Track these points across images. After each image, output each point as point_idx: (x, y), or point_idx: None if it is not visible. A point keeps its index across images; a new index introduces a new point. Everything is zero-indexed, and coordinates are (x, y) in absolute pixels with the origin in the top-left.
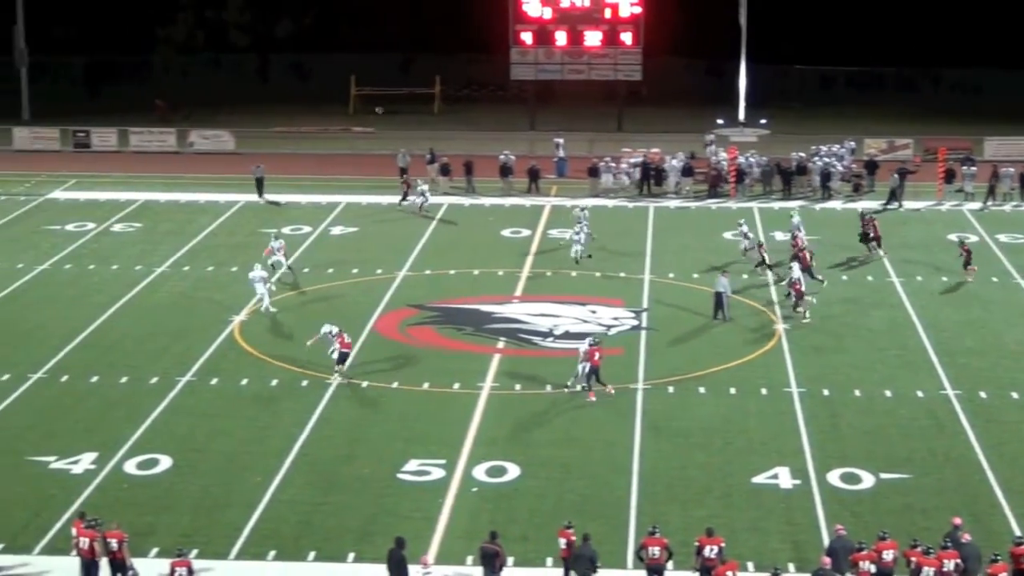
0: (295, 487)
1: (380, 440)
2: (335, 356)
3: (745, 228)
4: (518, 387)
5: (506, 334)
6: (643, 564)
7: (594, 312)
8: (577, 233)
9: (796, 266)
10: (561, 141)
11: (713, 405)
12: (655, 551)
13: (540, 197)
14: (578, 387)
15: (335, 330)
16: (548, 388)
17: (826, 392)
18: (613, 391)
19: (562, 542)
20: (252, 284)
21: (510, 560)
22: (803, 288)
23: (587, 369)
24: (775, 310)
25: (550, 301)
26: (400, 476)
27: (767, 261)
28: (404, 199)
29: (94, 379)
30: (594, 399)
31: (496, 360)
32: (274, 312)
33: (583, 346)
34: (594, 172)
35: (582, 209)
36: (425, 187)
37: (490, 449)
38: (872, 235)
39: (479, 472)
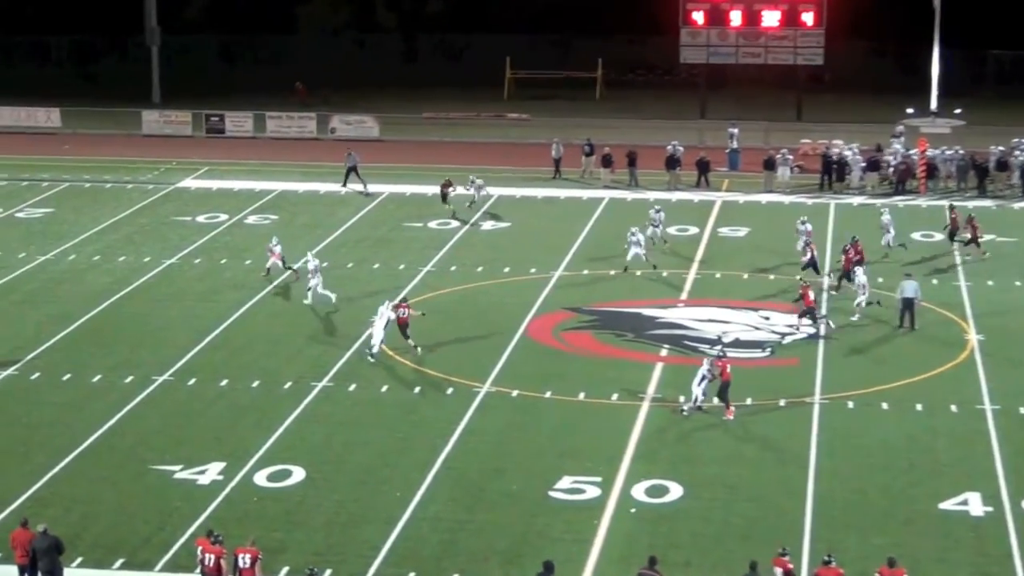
0: (438, 503)
1: (531, 454)
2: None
3: (807, 226)
4: (682, 399)
5: (670, 341)
6: None
7: (767, 319)
8: (634, 234)
9: (860, 271)
10: (735, 131)
11: (897, 422)
12: None
13: (710, 192)
14: (688, 408)
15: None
16: (714, 400)
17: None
18: (732, 416)
19: (778, 572)
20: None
21: None
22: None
23: (704, 385)
24: (966, 318)
25: (719, 306)
26: (552, 494)
27: (815, 263)
28: (445, 201)
29: (223, 383)
30: (732, 417)
31: (658, 369)
32: (330, 299)
33: (704, 363)
34: (770, 165)
35: (657, 210)
36: (480, 181)
37: (650, 466)
38: None
39: (638, 491)
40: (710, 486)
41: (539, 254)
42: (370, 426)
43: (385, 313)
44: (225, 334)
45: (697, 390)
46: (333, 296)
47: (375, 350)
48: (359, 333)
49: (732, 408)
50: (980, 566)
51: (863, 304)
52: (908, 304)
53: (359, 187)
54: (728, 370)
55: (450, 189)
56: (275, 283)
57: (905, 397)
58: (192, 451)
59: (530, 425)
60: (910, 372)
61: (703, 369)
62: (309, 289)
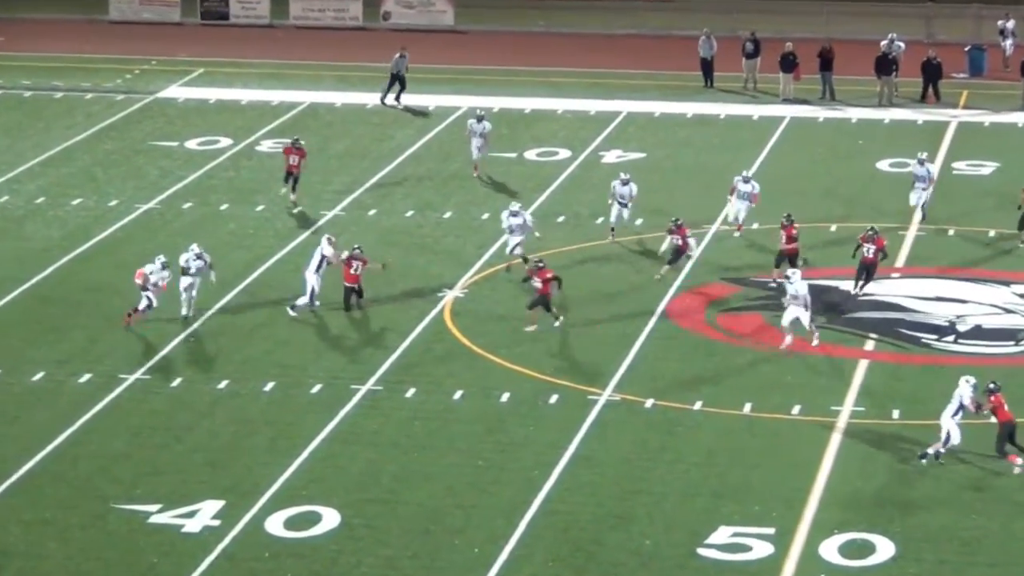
0: (534, 564)
1: (671, 493)
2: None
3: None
4: (896, 415)
5: (879, 328)
6: None
7: (1022, 296)
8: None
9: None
10: (1010, 24)
11: None
12: None
13: (941, 108)
14: (933, 451)
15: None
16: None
17: None
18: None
19: None
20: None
21: None
22: None
23: (959, 417)
24: None
25: (951, 277)
26: (703, 552)
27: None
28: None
29: (221, 385)
30: (1020, 468)
31: (862, 369)
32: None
33: (964, 387)
34: None
35: (625, 182)
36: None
37: (848, 513)
38: None
39: (828, 549)
40: (934, 541)
41: (686, 199)
42: (436, 450)
43: (320, 254)
44: (225, 314)
45: (951, 424)
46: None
47: (300, 302)
48: (423, 314)
49: (1016, 458)
50: None
51: None
52: None
53: (393, 100)
54: (1006, 408)
55: None
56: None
57: None
58: (175, 484)
59: (671, 451)
60: None
61: (962, 396)
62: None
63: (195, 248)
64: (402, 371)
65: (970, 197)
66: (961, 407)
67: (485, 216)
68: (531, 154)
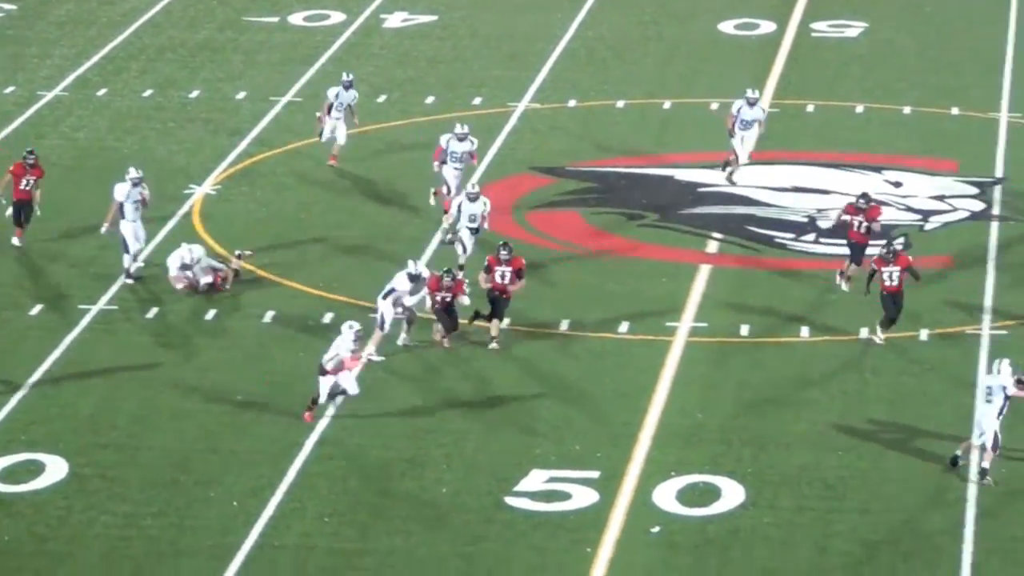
0: (307, 520)
1: (470, 430)
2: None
3: None
4: (745, 331)
5: (725, 225)
6: None
7: (898, 185)
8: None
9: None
10: None
11: None
12: None
13: None
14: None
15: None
16: (805, 332)
17: None
18: None
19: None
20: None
21: None
22: None
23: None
24: None
25: (814, 162)
26: (511, 501)
27: None
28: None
29: None
30: None
31: (704, 275)
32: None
33: (1007, 368)
34: None
35: (462, 137)
36: None
37: (688, 452)
38: None
39: (664, 495)
40: (793, 485)
41: (488, 70)
42: (184, 384)
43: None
44: None
45: (995, 425)
46: None
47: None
48: (168, 214)
49: None
50: None
51: None
52: None
53: None
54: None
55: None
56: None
57: None
58: None
59: (472, 379)
60: None
61: (1005, 386)
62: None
63: None
64: (141, 286)
65: (833, 65)
66: (1007, 400)
67: (240, 96)
68: (296, 18)
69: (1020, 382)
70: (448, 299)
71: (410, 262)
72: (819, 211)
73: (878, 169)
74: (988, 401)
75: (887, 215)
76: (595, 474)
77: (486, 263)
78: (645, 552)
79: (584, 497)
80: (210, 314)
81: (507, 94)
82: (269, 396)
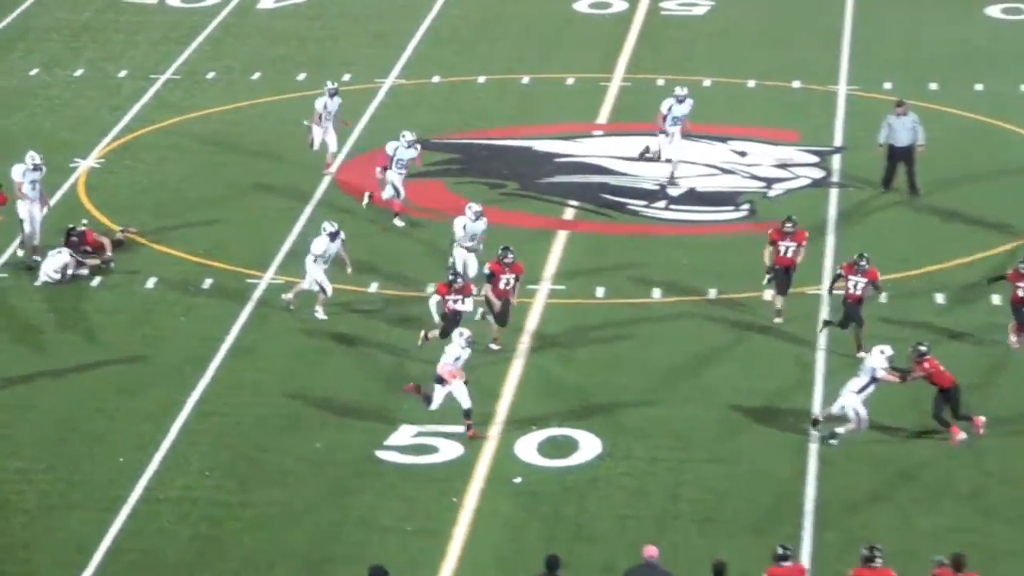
0: (189, 475)
1: (342, 389)
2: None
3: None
4: (600, 293)
5: (580, 193)
6: None
7: (743, 154)
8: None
9: None
10: None
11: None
12: None
13: None
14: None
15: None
16: (657, 293)
17: None
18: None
19: None
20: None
21: None
22: None
23: (868, 394)
24: None
25: (663, 133)
26: (382, 455)
27: None
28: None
29: None
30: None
31: (561, 241)
32: None
33: (876, 356)
34: None
35: (409, 146)
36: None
37: (547, 406)
38: None
39: (526, 447)
40: (646, 436)
41: (356, 48)
42: (71, 345)
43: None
44: None
45: (855, 403)
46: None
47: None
48: (51, 188)
49: (981, 419)
50: None
51: None
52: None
53: None
54: (943, 370)
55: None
56: None
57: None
58: None
59: (344, 341)
60: (968, 247)
61: (875, 368)
62: None
63: None
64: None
65: (681, 41)
66: (873, 381)
67: (122, 74)
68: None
69: (895, 369)
70: (459, 302)
71: (326, 223)
72: (669, 179)
73: (724, 139)
74: (856, 375)
75: (733, 183)
76: (460, 429)
77: (489, 271)
78: (508, 501)
79: (450, 450)
80: (96, 281)
81: (375, 71)
82: (151, 357)
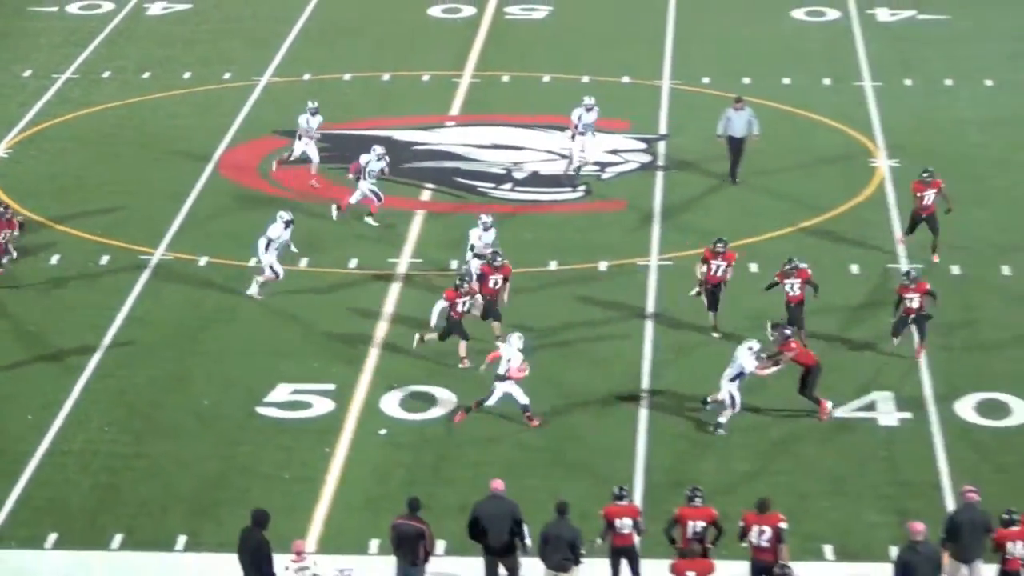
0: (90, 430)
1: (227, 351)
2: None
3: None
4: (454, 264)
5: (436, 178)
6: (674, 546)
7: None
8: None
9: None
10: None
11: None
12: (698, 526)
13: None
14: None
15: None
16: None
17: None
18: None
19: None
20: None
21: (440, 545)
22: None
23: (741, 382)
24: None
25: (509, 123)
26: (261, 410)
27: None
28: None
29: None
30: (828, 416)
31: (419, 220)
32: None
33: (745, 350)
34: None
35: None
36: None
37: (407, 364)
38: None
39: (389, 403)
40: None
41: (236, 50)
42: None
43: None
44: None
45: (732, 389)
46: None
47: None
48: None
49: (827, 403)
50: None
51: None
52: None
53: None
54: (806, 348)
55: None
56: None
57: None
58: None
59: (227, 310)
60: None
61: (743, 365)
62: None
63: None
64: None
65: (524, 42)
66: (741, 374)
67: (27, 74)
68: (73, 8)
69: (768, 357)
70: (465, 305)
71: (281, 212)
72: (514, 164)
73: (562, 129)
74: (730, 364)
75: (565, 167)
76: (331, 387)
77: (479, 272)
78: (374, 451)
79: (323, 406)
80: (4, 259)
81: (252, 70)
82: (55, 326)
